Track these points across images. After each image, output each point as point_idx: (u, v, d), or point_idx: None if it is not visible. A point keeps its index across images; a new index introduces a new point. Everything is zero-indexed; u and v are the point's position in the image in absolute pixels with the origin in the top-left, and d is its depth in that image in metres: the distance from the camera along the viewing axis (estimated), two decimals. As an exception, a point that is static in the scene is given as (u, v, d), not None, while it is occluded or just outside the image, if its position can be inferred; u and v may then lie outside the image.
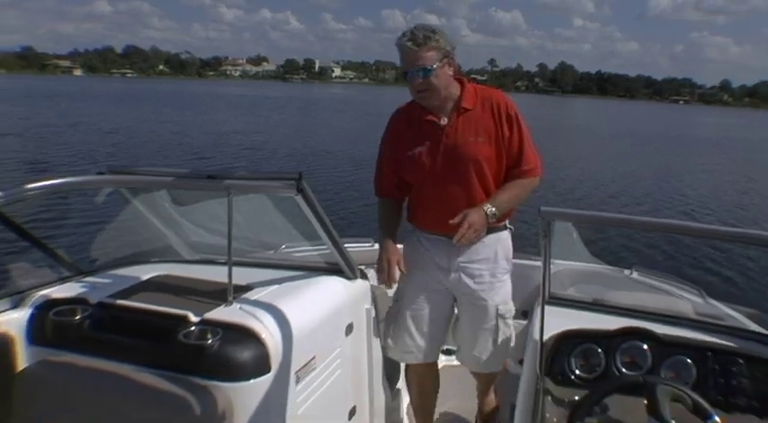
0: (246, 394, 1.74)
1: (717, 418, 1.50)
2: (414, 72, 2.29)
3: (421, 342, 2.53)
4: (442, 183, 2.40)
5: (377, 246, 2.54)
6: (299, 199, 1.90)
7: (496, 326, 2.47)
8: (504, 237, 2.49)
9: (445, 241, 2.37)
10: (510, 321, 2.50)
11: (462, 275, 2.42)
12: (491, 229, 2.37)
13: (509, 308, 2.51)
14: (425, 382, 2.71)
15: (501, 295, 2.47)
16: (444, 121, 2.40)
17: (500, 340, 2.49)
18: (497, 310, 2.45)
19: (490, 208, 2.28)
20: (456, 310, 2.58)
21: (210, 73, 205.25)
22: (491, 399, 2.92)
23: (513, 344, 2.50)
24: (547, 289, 1.97)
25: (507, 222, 2.50)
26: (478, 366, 2.61)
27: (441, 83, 2.32)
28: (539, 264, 2.29)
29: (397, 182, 2.54)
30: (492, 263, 2.43)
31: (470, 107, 2.39)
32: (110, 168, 2.10)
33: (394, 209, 2.58)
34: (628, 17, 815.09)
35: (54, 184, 2.01)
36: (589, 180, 18.40)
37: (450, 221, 2.21)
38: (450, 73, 2.37)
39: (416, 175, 2.46)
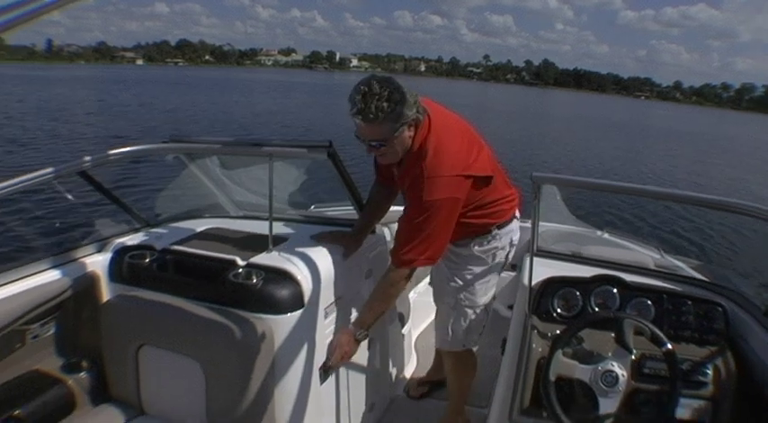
0: (284, 325, 1.74)
1: (669, 346, 1.55)
2: (363, 141, 1.78)
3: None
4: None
5: (392, 208, 2.49)
6: (329, 163, 1.87)
7: (452, 310, 2.21)
8: (479, 240, 2.12)
9: None
10: (468, 311, 2.19)
11: (442, 260, 2.14)
12: (475, 234, 2.09)
13: (470, 297, 2.18)
14: None
15: (465, 283, 2.17)
16: (399, 168, 1.96)
17: (451, 324, 2.21)
18: (456, 294, 2.18)
19: (360, 333, 1.89)
20: None
21: (247, 62, 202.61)
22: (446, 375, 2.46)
23: (466, 335, 2.25)
24: (535, 243, 1.95)
25: (495, 227, 2.11)
26: (437, 340, 2.38)
27: (398, 149, 1.81)
28: (526, 225, 2.27)
29: (385, 173, 2.15)
30: (468, 253, 2.14)
31: (405, 176, 1.90)
32: (172, 137, 2.08)
33: (376, 193, 2.20)
34: (601, 24, 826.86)
35: (129, 150, 2.02)
36: (570, 157, 18.34)
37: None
38: (411, 134, 1.81)
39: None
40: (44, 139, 14.04)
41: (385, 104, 1.66)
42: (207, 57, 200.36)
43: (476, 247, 2.13)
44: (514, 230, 2.21)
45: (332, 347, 1.87)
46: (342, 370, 2.10)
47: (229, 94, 39.34)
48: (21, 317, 1.69)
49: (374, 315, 1.94)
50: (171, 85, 47.58)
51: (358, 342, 1.89)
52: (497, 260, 2.19)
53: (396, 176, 2.02)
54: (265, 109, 28.62)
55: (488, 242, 2.13)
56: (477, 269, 2.17)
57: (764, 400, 1.54)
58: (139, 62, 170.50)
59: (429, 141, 1.83)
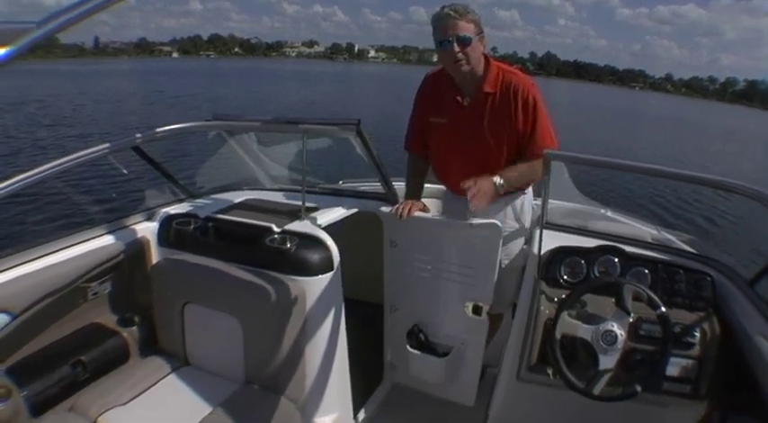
0: (315, 286, 1.75)
1: (664, 309, 1.56)
2: (449, 40, 1.86)
3: None
4: (458, 154, 2.09)
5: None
6: (358, 140, 1.84)
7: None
8: (519, 202, 2.14)
9: (464, 201, 2.08)
10: (511, 271, 2.15)
11: None
12: (505, 193, 2.02)
13: (507, 253, 2.13)
14: None
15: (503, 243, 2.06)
16: (467, 101, 2.02)
17: (503, 285, 2.12)
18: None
19: (499, 180, 1.92)
20: None
21: (273, 53, 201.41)
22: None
23: (515, 294, 2.17)
24: (545, 215, 1.92)
25: (527, 189, 2.16)
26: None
27: (476, 55, 1.91)
28: (536, 202, 2.22)
29: (423, 140, 2.19)
30: (500, 221, 2.02)
31: (491, 91, 1.98)
32: (215, 116, 2.08)
33: (420, 165, 2.23)
34: (601, 20, 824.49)
35: (176, 127, 2.03)
36: (574, 141, 18.13)
37: (462, 184, 1.85)
38: (482, 49, 1.95)
39: (437, 142, 2.15)
40: (109, 125, 14.06)
41: (469, 9, 1.87)
42: (236, 49, 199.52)
43: (508, 208, 2.13)
44: (529, 195, 2.21)
45: (469, 182, 1.85)
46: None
47: (262, 85, 38.74)
48: (83, 275, 1.73)
49: (516, 179, 2.00)
50: (211, 77, 47.22)
51: (495, 186, 1.90)
52: (525, 220, 2.19)
53: (449, 118, 2.07)
54: (295, 99, 28.23)
55: (520, 204, 2.15)
56: (510, 227, 2.14)
57: (743, 360, 1.55)
58: (175, 55, 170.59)
59: (498, 64, 2.02)
